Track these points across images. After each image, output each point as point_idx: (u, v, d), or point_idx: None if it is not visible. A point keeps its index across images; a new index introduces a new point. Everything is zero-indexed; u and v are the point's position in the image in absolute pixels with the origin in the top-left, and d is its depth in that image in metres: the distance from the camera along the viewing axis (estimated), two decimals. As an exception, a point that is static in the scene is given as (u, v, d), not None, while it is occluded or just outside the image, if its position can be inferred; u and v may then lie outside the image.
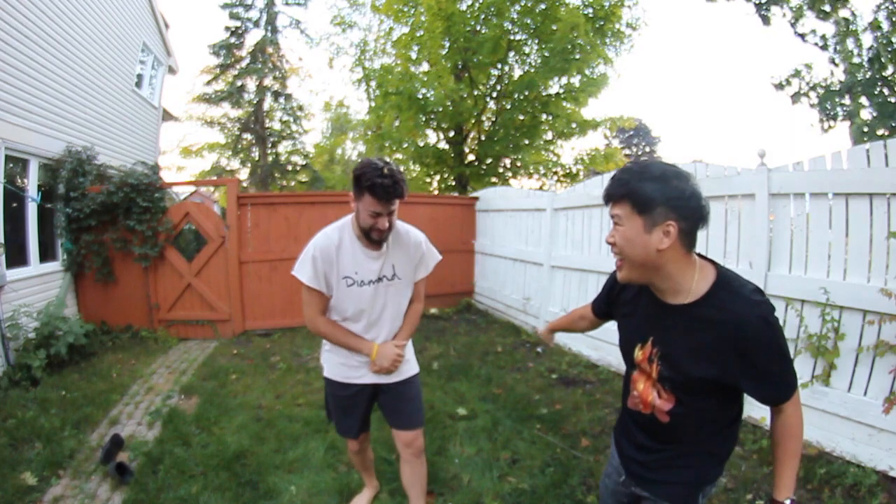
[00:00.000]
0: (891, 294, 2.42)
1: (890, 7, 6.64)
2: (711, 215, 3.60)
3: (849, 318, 2.73)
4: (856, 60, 7.05)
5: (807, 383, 2.85)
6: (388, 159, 1.78)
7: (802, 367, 2.95)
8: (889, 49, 6.63)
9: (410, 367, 2.08)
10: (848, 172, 2.79)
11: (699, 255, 1.17)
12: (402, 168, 1.82)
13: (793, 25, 7.39)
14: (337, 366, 2.03)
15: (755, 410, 3.17)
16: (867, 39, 7.04)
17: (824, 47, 7.31)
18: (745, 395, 1.19)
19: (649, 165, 1.11)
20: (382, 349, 1.92)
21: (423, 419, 2.13)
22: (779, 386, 1.13)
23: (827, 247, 2.93)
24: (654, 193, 1.06)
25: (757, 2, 7.34)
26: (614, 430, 1.54)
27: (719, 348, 1.09)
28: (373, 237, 1.85)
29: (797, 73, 7.69)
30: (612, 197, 1.14)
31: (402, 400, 2.05)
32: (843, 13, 7.03)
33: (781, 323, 3.25)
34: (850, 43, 7.09)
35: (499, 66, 10.01)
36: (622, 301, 1.37)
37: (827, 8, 6.97)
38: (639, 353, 1.25)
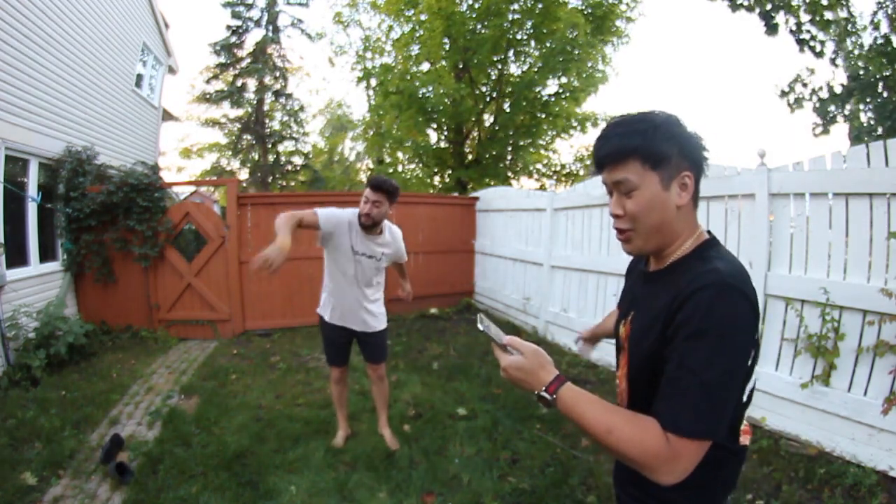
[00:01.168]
0: (891, 294, 2.42)
1: (890, 6, 6.63)
2: (711, 215, 3.57)
3: (849, 318, 2.73)
4: (856, 61, 7.05)
5: (807, 383, 2.85)
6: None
7: (802, 367, 2.96)
8: (888, 49, 6.63)
9: (379, 323, 2.90)
10: (848, 172, 2.79)
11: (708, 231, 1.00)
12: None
13: (793, 33, 7.39)
14: (328, 310, 2.85)
15: (755, 410, 3.17)
16: (867, 39, 7.04)
17: (820, 54, 7.32)
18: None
19: (643, 114, 0.93)
20: (272, 247, 2.23)
21: (385, 357, 3.03)
22: (674, 394, 0.81)
23: (827, 247, 2.93)
24: (667, 142, 0.89)
25: (762, 11, 7.33)
26: None
27: (659, 315, 0.88)
28: (362, 221, 2.64)
29: (798, 79, 7.69)
30: (616, 156, 0.91)
31: (371, 344, 2.93)
32: (842, 13, 7.02)
33: (781, 323, 3.22)
34: (848, 43, 7.09)
35: (499, 65, 10.02)
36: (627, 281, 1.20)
37: (829, 16, 6.97)
38: (622, 331, 1.06)
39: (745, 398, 0.91)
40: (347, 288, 2.77)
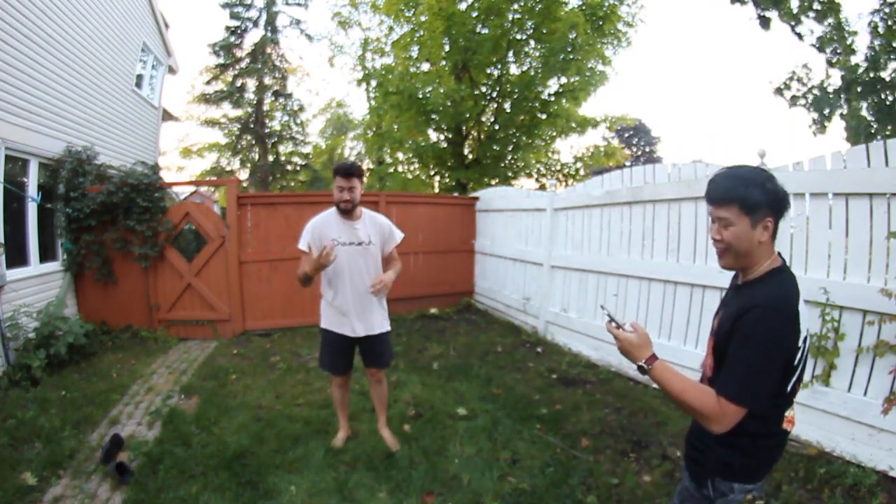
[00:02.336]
0: (891, 294, 2.42)
1: (886, 11, 6.64)
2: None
3: (849, 318, 2.73)
4: (854, 60, 7.05)
5: (807, 383, 2.85)
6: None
7: (802, 367, 2.96)
8: (887, 50, 6.63)
9: (382, 325, 2.89)
10: (848, 172, 2.79)
11: (779, 253, 1.34)
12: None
13: (792, 27, 7.39)
14: (330, 319, 2.85)
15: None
16: (865, 40, 7.05)
17: (822, 49, 7.31)
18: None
19: (749, 171, 1.27)
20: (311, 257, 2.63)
21: (388, 363, 3.00)
22: (727, 372, 1.22)
23: (827, 247, 2.93)
24: (760, 197, 1.22)
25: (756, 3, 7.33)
26: None
27: (732, 321, 1.24)
28: (342, 207, 2.73)
29: (794, 77, 7.69)
30: (722, 201, 1.26)
31: (373, 348, 2.90)
32: (831, 20, 7.03)
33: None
34: (847, 41, 7.08)
35: (498, 65, 10.02)
36: None
37: (817, 6, 6.96)
38: (714, 324, 1.40)
39: (788, 389, 1.27)
40: (348, 286, 2.76)
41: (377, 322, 2.86)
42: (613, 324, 1.36)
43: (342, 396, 3.05)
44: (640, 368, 1.29)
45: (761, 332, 1.17)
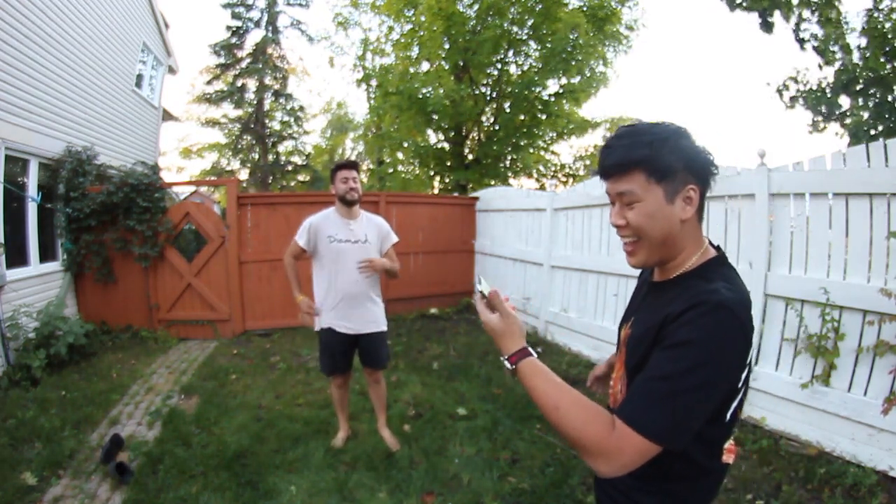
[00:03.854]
0: (891, 294, 2.42)
1: (884, 9, 6.64)
2: (711, 215, 3.56)
3: (849, 318, 2.73)
4: (854, 60, 7.05)
5: (807, 383, 2.85)
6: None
7: (802, 367, 2.96)
8: (885, 49, 6.63)
9: (377, 324, 2.90)
10: (848, 172, 2.79)
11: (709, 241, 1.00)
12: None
13: (795, 33, 7.40)
14: (328, 318, 2.82)
15: (755, 410, 3.17)
16: (862, 41, 7.04)
17: (823, 52, 7.32)
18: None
19: (650, 125, 0.91)
20: (301, 302, 2.84)
21: (385, 363, 3.00)
22: (638, 390, 0.83)
23: (827, 247, 2.93)
24: (674, 156, 0.88)
25: (760, 9, 7.34)
26: None
27: (656, 330, 0.88)
28: (347, 198, 2.78)
29: (795, 78, 7.70)
30: (620, 167, 0.91)
31: (369, 348, 2.91)
32: (833, 14, 7.03)
33: (781, 323, 3.23)
34: (846, 39, 7.08)
35: (498, 65, 10.02)
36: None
37: (831, 15, 6.97)
38: (622, 335, 1.07)
39: (727, 418, 0.90)
40: (342, 283, 2.77)
41: (372, 320, 2.87)
42: (484, 299, 1.01)
43: (341, 396, 3.05)
44: (505, 367, 0.95)
45: (708, 338, 0.79)
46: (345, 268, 2.77)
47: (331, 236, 2.77)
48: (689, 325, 0.81)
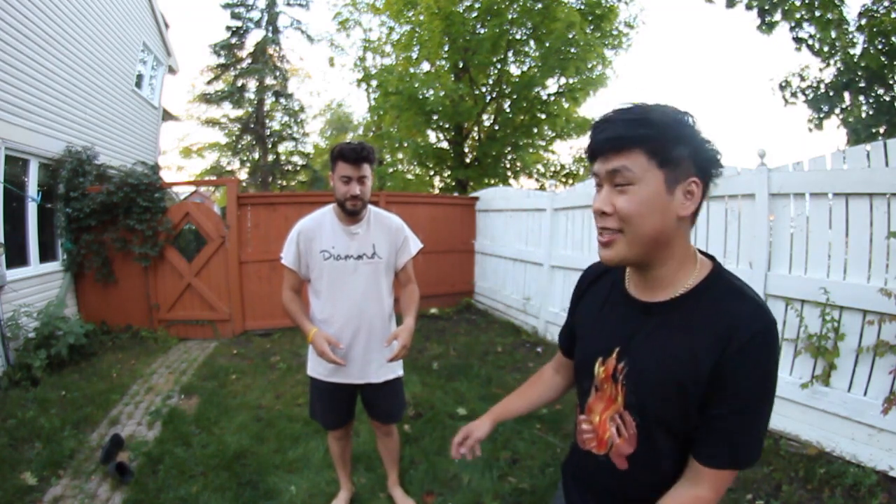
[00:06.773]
0: (891, 294, 2.42)
1: (885, 6, 6.63)
2: (711, 215, 3.56)
3: (849, 318, 2.73)
4: (853, 57, 7.04)
5: (807, 383, 2.85)
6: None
7: (802, 367, 2.96)
8: (884, 48, 6.62)
9: (393, 370, 2.13)
10: (848, 172, 2.79)
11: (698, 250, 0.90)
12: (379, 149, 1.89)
13: (792, 30, 7.39)
14: (319, 361, 2.03)
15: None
16: (860, 38, 7.03)
17: (819, 52, 7.32)
18: None
19: (655, 104, 0.79)
20: (316, 337, 1.87)
21: (399, 415, 2.26)
22: (738, 434, 0.77)
23: (827, 247, 2.93)
24: (680, 140, 0.76)
25: (759, 8, 7.33)
26: (562, 467, 1.18)
27: (698, 356, 0.77)
28: (347, 207, 1.92)
29: (799, 74, 7.69)
30: (619, 142, 0.77)
31: (379, 400, 2.17)
32: (833, 15, 7.02)
33: (781, 323, 3.24)
34: (847, 37, 7.07)
35: (498, 65, 10.03)
36: (584, 303, 1.05)
37: (828, 16, 6.97)
38: (600, 371, 0.91)
39: None
40: (342, 316, 2.00)
41: (384, 365, 2.06)
42: None
43: (342, 450, 2.35)
44: None
45: (776, 360, 0.77)
46: (343, 294, 1.99)
47: (325, 251, 1.97)
48: (763, 352, 0.75)
